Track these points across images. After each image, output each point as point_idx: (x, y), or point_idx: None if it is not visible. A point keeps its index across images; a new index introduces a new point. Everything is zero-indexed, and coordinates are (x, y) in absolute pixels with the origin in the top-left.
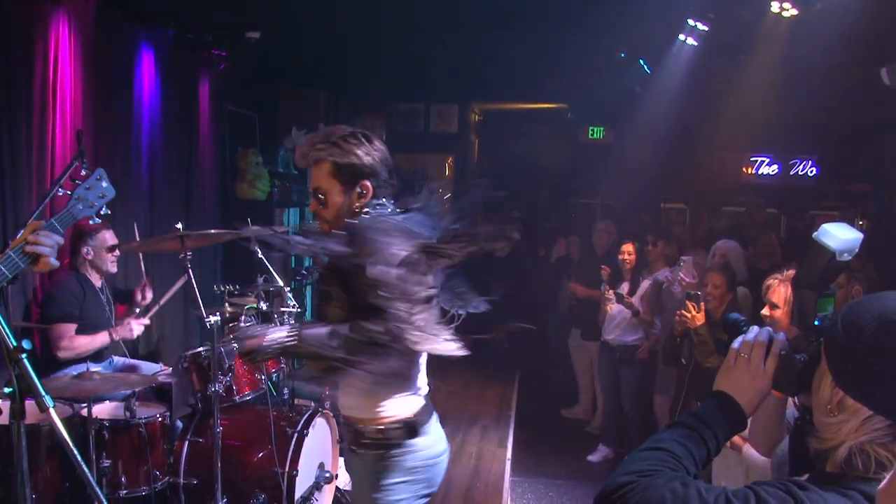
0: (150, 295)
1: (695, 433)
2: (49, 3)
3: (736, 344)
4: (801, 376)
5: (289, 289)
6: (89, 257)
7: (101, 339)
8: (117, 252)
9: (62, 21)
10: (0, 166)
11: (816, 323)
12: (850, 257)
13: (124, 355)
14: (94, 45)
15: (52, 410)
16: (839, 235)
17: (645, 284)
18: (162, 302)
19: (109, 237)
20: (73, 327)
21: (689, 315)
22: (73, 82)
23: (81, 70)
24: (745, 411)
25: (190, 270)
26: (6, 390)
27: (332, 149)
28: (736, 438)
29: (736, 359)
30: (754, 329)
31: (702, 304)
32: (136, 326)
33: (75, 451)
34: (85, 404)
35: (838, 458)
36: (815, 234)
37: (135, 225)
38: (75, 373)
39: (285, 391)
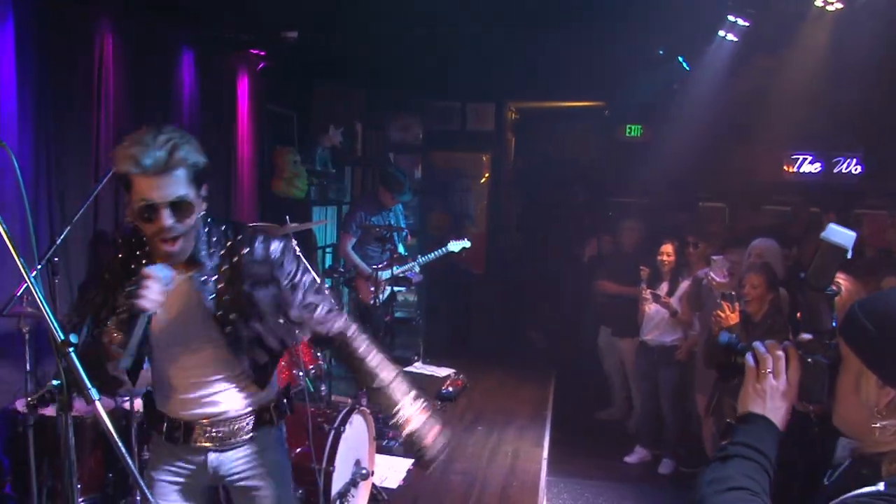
0: None
1: (756, 464)
2: (93, 6)
3: (751, 361)
4: (831, 384)
5: (326, 286)
6: None
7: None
8: None
9: (106, 24)
10: (47, 167)
11: (833, 325)
12: (850, 255)
13: None
14: (136, 46)
15: (97, 403)
16: (847, 233)
17: (684, 285)
18: None
19: None
20: None
21: (723, 315)
22: (116, 83)
23: (124, 71)
24: (780, 427)
25: None
26: (54, 383)
27: (188, 147)
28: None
29: (758, 376)
30: (758, 344)
31: (736, 304)
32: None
33: (119, 443)
34: (127, 398)
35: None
36: (824, 234)
37: None
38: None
39: (323, 388)
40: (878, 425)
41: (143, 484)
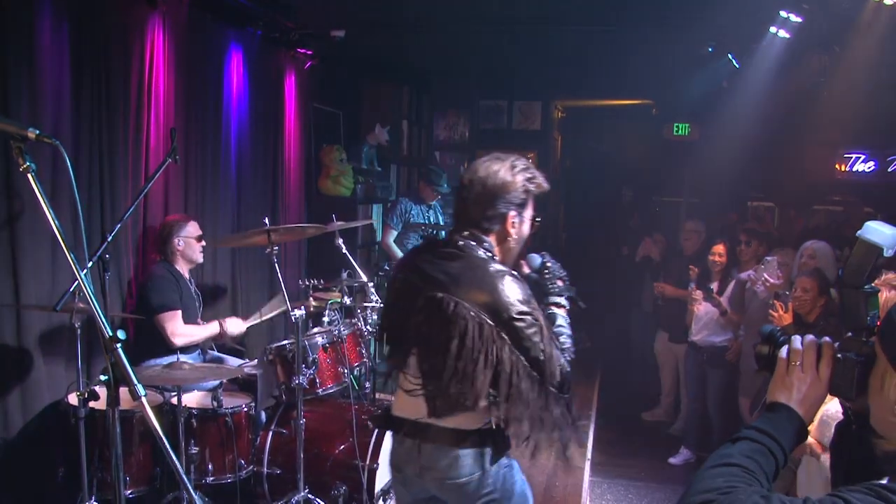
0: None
1: (762, 447)
2: (145, 5)
3: (784, 353)
4: (860, 379)
5: (372, 284)
6: (181, 248)
7: (210, 328)
8: (203, 242)
9: (157, 22)
10: (99, 164)
11: (869, 322)
12: (892, 253)
13: (212, 349)
14: (186, 45)
15: (143, 399)
16: (886, 232)
17: (733, 284)
18: (265, 316)
19: (195, 228)
20: (178, 314)
21: (776, 315)
22: (167, 81)
23: (174, 69)
24: (805, 420)
25: (277, 268)
26: (102, 378)
27: None
28: (817, 447)
29: (788, 368)
30: (797, 337)
31: (789, 304)
32: (241, 324)
33: (164, 439)
34: (175, 393)
35: None
36: (860, 232)
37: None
38: (166, 362)
39: (367, 385)
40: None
41: (185, 479)
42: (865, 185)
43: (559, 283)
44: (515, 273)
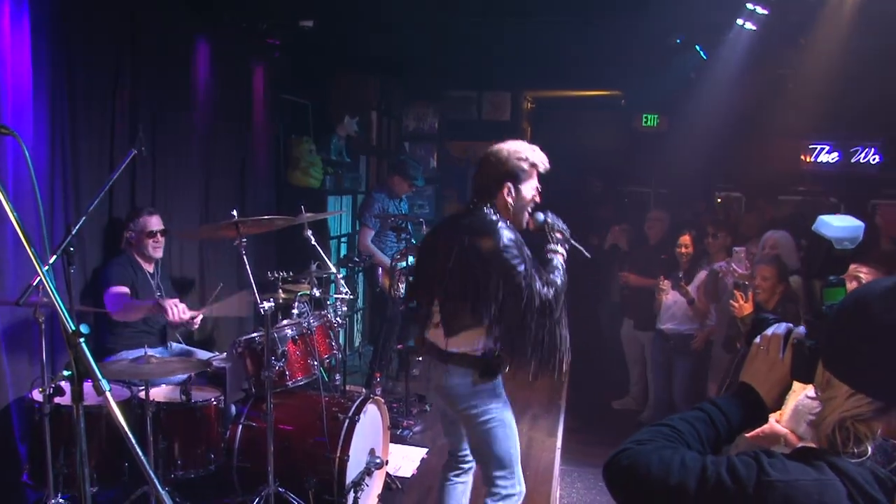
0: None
1: (705, 415)
2: None
3: (757, 339)
4: (813, 363)
5: (341, 275)
6: (132, 241)
7: (147, 305)
8: (160, 237)
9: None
10: (62, 156)
11: (825, 311)
12: (851, 245)
13: (179, 342)
14: (151, 34)
15: (108, 394)
16: (835, 224)
17: (702, 274)
18: (208, 309)
19: (154, 222)
20: (125, 290)
21: (736, 304)
22: (132, 71)
23: (139, 59)
24: (766, 400)
25: (246, 260)
26: (65, 373)
27: None
28: (791, 436)
29: (757, 352)
30: (776, 326)
31: (750, 293)
32: (185, 311)
33: (129, 434)
34: (143, 387)
35: (822, 433)
36: (815, 225)
37: None
38: (133, 356)
39: (337, 377)
40: (820, 397)
41: (153, 474)
42: (830, 175)
43: (557, 234)
44: (508, 223)
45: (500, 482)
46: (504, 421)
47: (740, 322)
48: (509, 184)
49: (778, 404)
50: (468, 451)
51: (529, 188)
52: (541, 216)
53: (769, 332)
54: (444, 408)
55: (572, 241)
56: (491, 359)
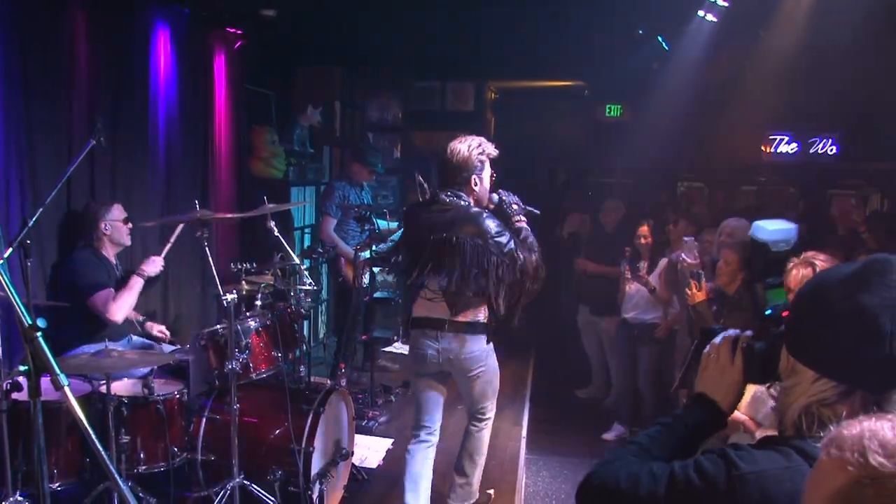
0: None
1: (667, 428)
2: None
3: (706, 349)
4: (764, 364)
5: (305, 267)
6: (108, 232)
7: (135, 284)
8: (130, 224)
9: None
10: (18, 146)
11: (768, 312)
12: (786, 247)
13: (141, 336)
14: (109, 22)
15: (66, 389)
16: (768, 228)
17: (663, 263)
18: (172, 239)
19: (120, 210)
20: (111, 291)
21: (689, 292)
22: (89, 60)
23: (97, 49)
24: (722, 406)
25: (208, 252)
26: (21, 368)
27: None
28: (749, 423)
29: (707, 361)
30: (725, 333)
31: (703, 282)
32: (160, 260)
33: (89, 429)
34: (104, 381)
35: (788, 420)
36: (751, 230)
37: None
38: (93, 350)
39: (301, 369)
40: (784, 384)
41: (114, 470)
42: (789, 165)
43: (514, 206)
44: (488, 211)
45: (487, 411)
46: (496, 368)
47: (691, 309)
48: (475, 177)
49: (734, 407)
50: (437, 425)
51: (488, 176)
52: (496, 196)
53: (717, 340)
54: (440, 377)
55: (527, 208)
56: (494, 323)
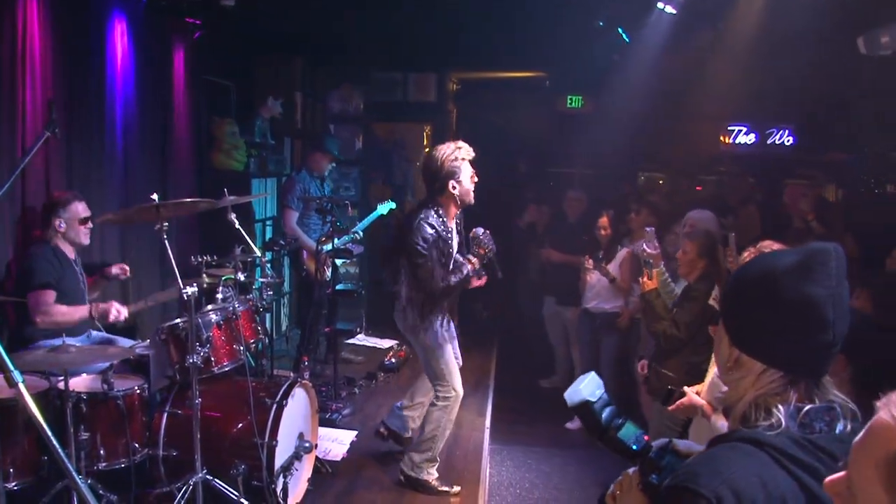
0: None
1: None
2: None
3: (611, 488)
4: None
5: (266, 259)
6: (62, 229)
7: (80, 312)
8: (90, 224)
9: None
10: None
11: (635, 448)
12: (601, 391)
13: (100, 330)
14: (64, 12)
15: (21, 386)
16: (579, 388)
17: (622, 252)
18: (150, 304)
19: (82, 209)
20: (52, 294)
21: (642, 280)
22: (43, 51)
23: (51, 38)
24: None
25: (167, 245)
26: None
27: None
28: (707, 408)
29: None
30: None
31: (654, 271)
32: (118, 310)
33: (44, 426)
34: (61, 377)
35: (737, 412)
36: (568, 402)
37: None
38: (51, 346)
39: (264, 362)
40: (729, 377)
41: (70, 468)
42: (747, 156)
43: (480, 250)
44: (431, 222)
45: (441, 391)
46: (436, 348)
47: (641, 298)
48: (452, 182)
49: None
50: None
51: (466, 176)
52: (479, 231)
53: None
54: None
55: (490, 258)
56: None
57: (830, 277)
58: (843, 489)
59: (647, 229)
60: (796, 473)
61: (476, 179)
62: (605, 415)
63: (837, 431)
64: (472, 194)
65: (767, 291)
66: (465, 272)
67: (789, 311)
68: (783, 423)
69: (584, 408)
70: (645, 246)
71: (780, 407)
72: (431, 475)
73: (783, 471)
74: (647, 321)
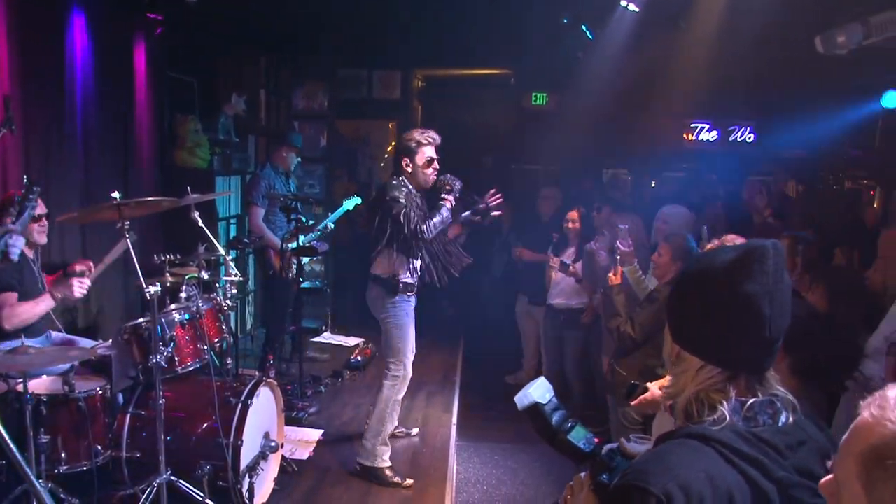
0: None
1: None
2: None
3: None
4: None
5: (230, 257)
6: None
7: (44, 302)
8: (45, 222)
9: None
10: None
11: (589, 451)
12: (550, 394)
13: (60, 330)
14: (21, 5)
15: None
16: (528, 391)
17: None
18: (103, 265)
19: (38, 206)
20: (14, 296)
21: (611, 275)
22: None
23: (7, 32)
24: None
25: (129, 240)
26: None
27: None
28: (659, 394)
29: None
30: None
31: (618, 268)
32: (79, 285)
33: (1, 430)
34: (20, 380)
35: (679, 408)
36: (518, 405)
37: None
38: (9, 348)
39: (229, 361)
40: (672, 372)
41: (28, 471)
42: (710, 152)
43: (447, 187)
44: (399, 183)
45: (391, 368)
46: (402, 326)
47: (602, 292)
48: (406, 159)
49: None
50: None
51: (422, 158)
52: (442, 177)
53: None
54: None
55: (464, 193)
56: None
57: (767, 275)
58: (834, 489)
59: (621, 227)
60: (741, 467)
61: (437, 167)
62: (555, 418)
63: (780, 424)
64: (429, 181)
65: (704, 289)
66: (443, 211)
67: (725, 308)
68: (727, 417)
69: (535, 410)
70: (619, 243)
71: (724, 402)
72: (385, 462)
73: (729, 465)
74: (604, 316)
